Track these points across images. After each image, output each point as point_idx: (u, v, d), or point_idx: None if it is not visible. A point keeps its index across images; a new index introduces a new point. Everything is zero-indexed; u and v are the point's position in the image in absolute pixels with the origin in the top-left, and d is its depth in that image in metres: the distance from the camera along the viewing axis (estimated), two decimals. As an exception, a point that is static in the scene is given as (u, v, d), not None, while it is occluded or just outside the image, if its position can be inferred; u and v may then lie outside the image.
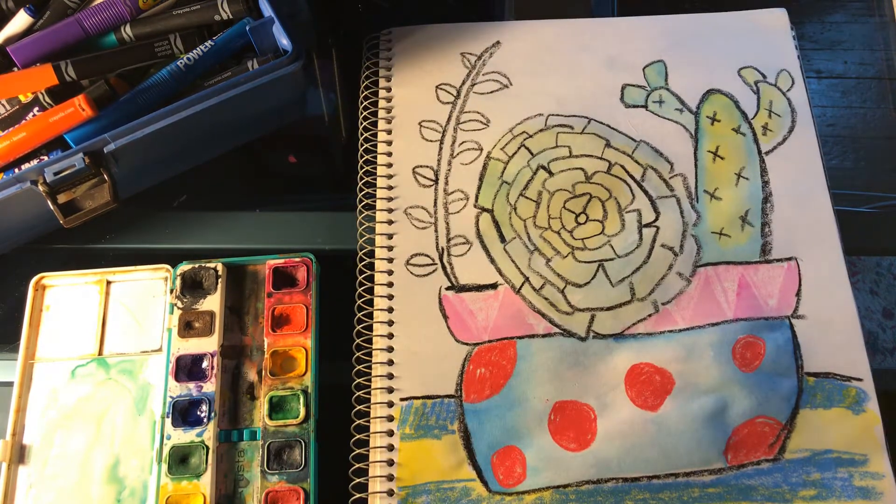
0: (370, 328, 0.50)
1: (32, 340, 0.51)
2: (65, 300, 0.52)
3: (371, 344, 0.50)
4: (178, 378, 0.48)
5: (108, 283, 0.52)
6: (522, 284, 0.51)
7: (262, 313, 0.51)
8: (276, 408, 0.47)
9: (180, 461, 0.46)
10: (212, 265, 0.51)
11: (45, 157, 0.51)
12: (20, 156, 0.50)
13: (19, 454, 0.48)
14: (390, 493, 0.46)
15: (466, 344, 0.49)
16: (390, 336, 0.50)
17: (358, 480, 0.46)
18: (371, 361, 0.49)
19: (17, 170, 0.50)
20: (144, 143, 0.50)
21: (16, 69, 0.51)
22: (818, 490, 0.46)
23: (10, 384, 0.49)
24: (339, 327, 0.50)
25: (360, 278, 0.51)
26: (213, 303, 0.50)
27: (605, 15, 0.62)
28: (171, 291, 0.50)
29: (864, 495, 0.46)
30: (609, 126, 0.56)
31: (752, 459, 0.46)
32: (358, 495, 0.46)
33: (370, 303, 0.51)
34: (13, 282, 0.54)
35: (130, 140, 0.49)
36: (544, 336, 0.49)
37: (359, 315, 0.50)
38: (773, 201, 0.53)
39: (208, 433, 0.47)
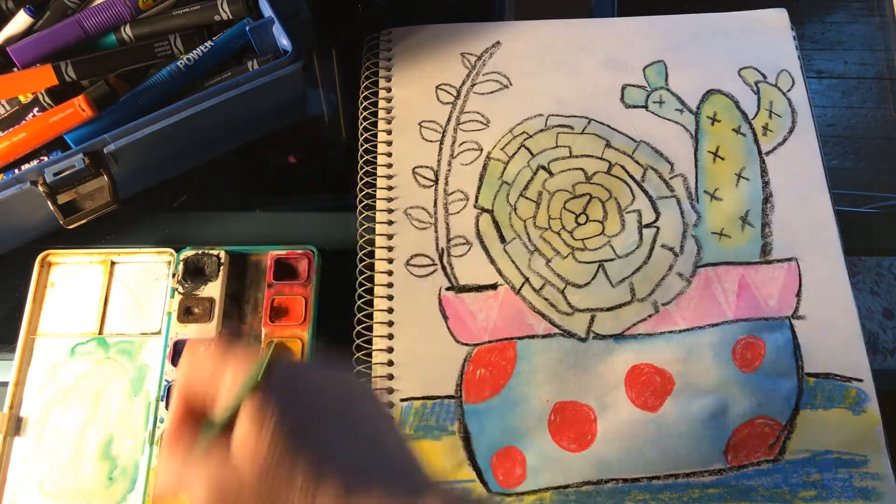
0: (370, 328, 0.50)
1: (35, 316, 0.51)
2: (69, 278, 0.52)
3: (371, 344, 0.50)
4: (174, 362, 0.48)
5: (113, 263, 0.53)
6: (522, 285, 0.51)
7: (262, 303, 0.51)
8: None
9: None
10: (215, 252, 0.51)
11: (45, 158, 0.51)
12: (20, 156, 0.50)
13: (16, 427, 0.48)
14: (390, 493, 0.46)
15: (466, 344, 0.49)
16: (390, 336, 0.50)
17: (358, 481, 0.46)
18: (371, 362, 0.49)
19: (17, 170, 0.50)
20: (144, 143, 0.50)
21: (16, 69, 0.51)
22: (818, 491, 0.46)
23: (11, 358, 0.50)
24: (338, 325, 0.50)
25: (359, 279, 0.51)
26: (213, 289, 0.50)
27: (605, 15, 0.62)
28: (174, 276, 0.50)
29: (864, 496, 0.46)
30: (609, 126, 0.56)
31: (752, 460, 0.46)
32: (358, 496, 0.46)
33: (370, 303, 0.51)
34: (13, 282, 0.54)
35: (130, 140, 0.49)
36: (544, 337, 0.49)
37: (359, 315, 0.50)
38: (774, 202, 0.53)
39: None
